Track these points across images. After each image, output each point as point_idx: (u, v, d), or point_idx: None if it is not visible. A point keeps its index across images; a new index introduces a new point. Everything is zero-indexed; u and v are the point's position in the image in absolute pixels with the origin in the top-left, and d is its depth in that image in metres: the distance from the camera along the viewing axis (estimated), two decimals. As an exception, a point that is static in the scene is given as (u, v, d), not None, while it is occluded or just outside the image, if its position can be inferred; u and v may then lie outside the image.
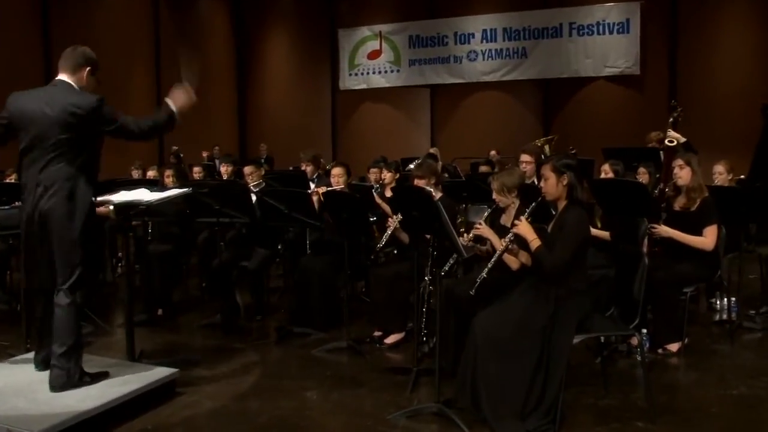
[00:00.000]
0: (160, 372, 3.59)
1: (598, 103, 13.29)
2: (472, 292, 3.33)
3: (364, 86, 15.60)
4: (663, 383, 3.77)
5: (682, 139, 6.13)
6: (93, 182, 3.42)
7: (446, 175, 8.61)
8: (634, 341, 4.36)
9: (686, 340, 4.32)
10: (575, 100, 13.54)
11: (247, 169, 5.69)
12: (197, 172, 7.96)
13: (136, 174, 8.16)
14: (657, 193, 4.30)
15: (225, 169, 7.00)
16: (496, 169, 8.35)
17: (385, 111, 15.53)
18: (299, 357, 4.35)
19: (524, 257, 3.35)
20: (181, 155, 12.93)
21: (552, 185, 3.19)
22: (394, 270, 4.61)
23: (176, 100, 3.55)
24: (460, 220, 5.52)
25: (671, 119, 6.10)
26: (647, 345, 4.16)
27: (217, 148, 13.53)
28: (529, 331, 3.06)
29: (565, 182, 3.18)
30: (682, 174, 4.37)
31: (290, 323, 4.97)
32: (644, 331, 4.16)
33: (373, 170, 6.85)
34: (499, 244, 3.69)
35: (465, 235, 3.93)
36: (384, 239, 4.54)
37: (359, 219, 4.58)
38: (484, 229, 3.80)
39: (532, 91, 13.94)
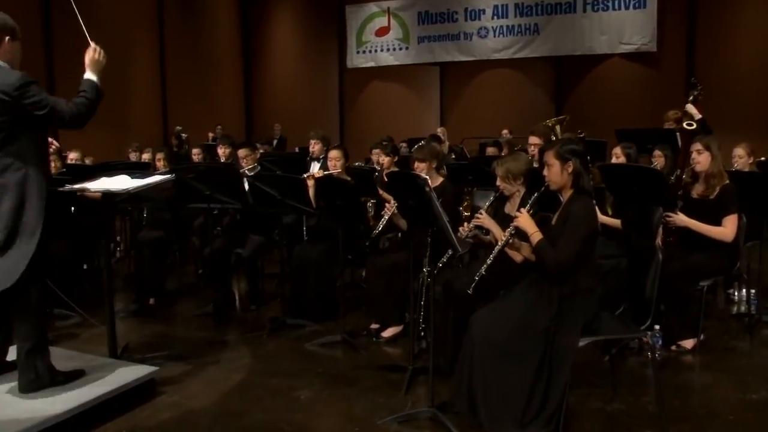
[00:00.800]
0: (139, 370, 3.39)
1: (613, 81, 12.81)
2: (469, 291, 3.09)
3: (372, 64, 15.20)
4: (676, 385, 3.51)
5: (698, 116, 5.81)
6: (43, 172, 3.09)
7: (453, 156, 8.35)
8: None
9: (702, 336, 4.06)
10: (589, 79, 13.07)
11: (242, 152, 5.45)
12: (196, 153, 7.70)
13: (133, 156, 7.94)
14: (673, 180, 4.00)
15: (222, 151, 6.72)
16: (504, 151, 8.04)
17: (393, 89, 15.16)
18: (291, 351, 4.15)
19: (527, 251, 3.09)
20: (184, 136, 12.71)
21: (556, 173, 2.92)
22: (392, 259, 4.37)
23: (90, 67, 3.20)
24: (465, 203, 5.27)
25: (691, 97, 5.79)
26: (659, 342, 3.90)
27: (219, 128, 13.27)
28: (530, 333, 2.82)
29: (570, 169, 2.90)
30: (701, 159, 4.06)
31: (285, 314, 4.77)
32: (656, 327, 3.91)
33: (375, 151, 6.58)
34: (501, 235, 3.43)
35: (466, 224, 3.68)
36: (380, 226, 4.30)
37: (353, 205, 4.32)
38: (485, 219, 3.54)
39: (545, 69, 13.48)
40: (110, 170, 4.04)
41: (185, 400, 3.36)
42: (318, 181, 4.53)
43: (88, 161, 7.67)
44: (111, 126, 12.37)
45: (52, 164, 5.40)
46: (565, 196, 2.95)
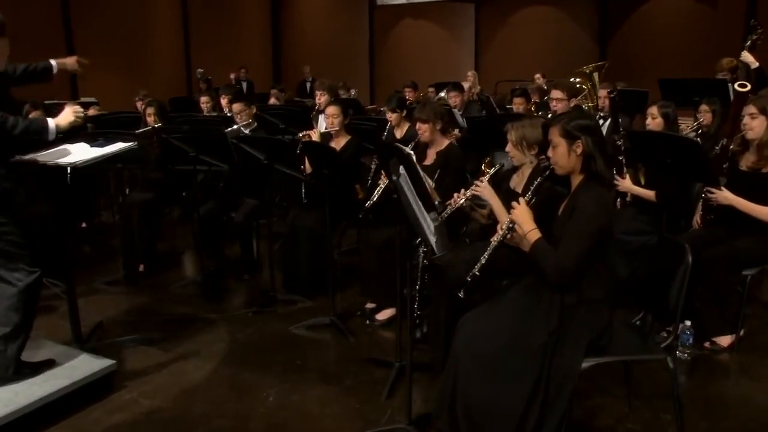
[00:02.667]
0: (95, 364, 3.07)
1: (662, 20, 11.59)
2: (461, 294, 2.60)
3: (403, 1, 14.30)
4: (706, 395, 3.00)
5: (755, 64, 5.05)
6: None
7: (479, 104, 7.66)
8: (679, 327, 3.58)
9: (742, 332, 3.50)
10: (636, 18, 11.87)
11: (236, 107, 4.96)
12: (204, 102, 7.24)
13: (140, 105, 7.52)
14: (718, 150, 3.35)
15: (225, 102, 6.29)
16: (534, 99, 7.31)
17: (425, 28, 14.27)
18: (273, 335, 3.78)
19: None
20: (210, 78, 12.26)
21: (562, 154, 2.35)
22: (387, 234, 3.88)
23: (61, 119, 3.01)
24: (487, 159, 4.70)
25: (748, 42, 5.00)
26: (689, 341, 3.36)
27: (243, 70, 12.74)
28: (524, 348, 2.33)
29: (579, 150, 2.33)
30: (755, 125, 3.37)
31: (281, 285, 4.40)
32: (688, 323, 3.36)
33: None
34: (500, 207, 2.92)
35: (463, 190, 3.16)
36: (375, 196, 3.82)
37: (341, 174, 3.83)
38: (485, 189, 3.03)
39: (588, 6, 12.33)
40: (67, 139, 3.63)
41: (143, 398, 3.03)
42: (303, 146, 4.03)
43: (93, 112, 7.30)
44: (131, 71, 12.00)
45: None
46: (574, 182, 2.39)
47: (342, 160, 3.98)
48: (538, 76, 10.01)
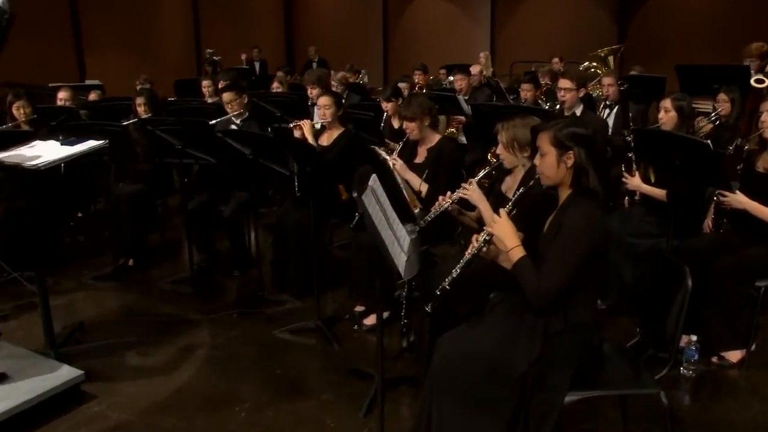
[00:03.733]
0: (62, 376, 2.94)
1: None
2: (428, 309, 2.39)
3: (417, -22, 13.92)
4: (711, 418, 2.78)
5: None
6: None
7: (488, 90, 7.35)
8: (683, 341, 3.34)
9: (753, 347, 3.25)
10: (659, -5, 11.38)
11: (226, 96, 4.75)
12: (206, 86, 7.05)
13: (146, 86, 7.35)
14: (732, 150, 3.07)
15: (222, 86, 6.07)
16: (545, 80, 6.98)
17: (440, 7, 13.86)
18: (256, 340, 3.62)
19: (509, 263, 2.33)
20: (217, 59, 12.04)
21: (550, 165, 2.12)
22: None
23: None
24: (493, 150, 4.45)
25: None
26: (696, 356, 3.13)
27: (256, 50, 12.49)
28: (504, 377, 2.13)
29: (570, 162, 2.09)
30: (773, 122, 3.10)
31: (264, 286, 4.23)
32: (694, 337, 3.12)
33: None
34: (489, 212, 2.70)
35: (449, 193, 2.94)
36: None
37: (324, 172, 3.62)
38: (473, 192, 2.82)
39: (608, -16, 11.87)
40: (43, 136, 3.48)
41: (112, 410, 2.90)
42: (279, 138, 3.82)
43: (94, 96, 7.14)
44: (139, 51, 11.83)
45: (21, 111, 4.92)
46: (562, 196, 2.16)
47: (322, 158, 3.76)
48: (555, 60, 9.60)
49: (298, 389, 3.08)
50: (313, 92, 5.75)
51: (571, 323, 2.10)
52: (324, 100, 4.23)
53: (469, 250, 2.32)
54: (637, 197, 3.88)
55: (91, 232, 5.74)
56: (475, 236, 2.34)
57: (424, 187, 3.60)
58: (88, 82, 9.41)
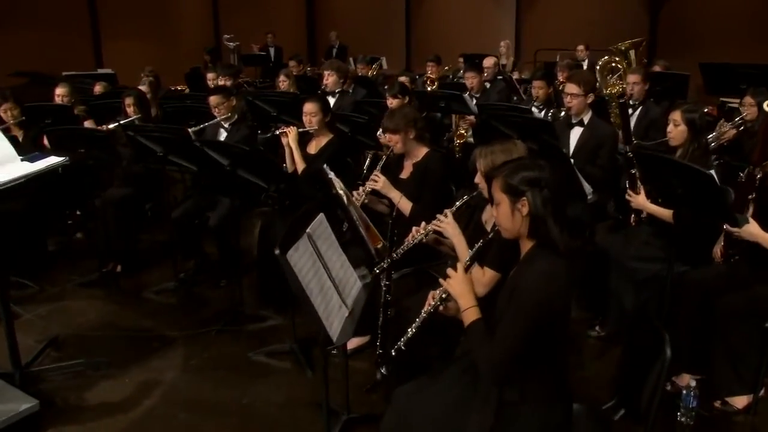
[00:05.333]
0: (14, 406, 2.81)
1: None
2: (382, 371, 2.18)
3: (441, -39, 13.45)
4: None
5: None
6: None
7: (504, 83, 7.00)
8: (684, 380, 3.06)
9: (762, 392, 2.95)
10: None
11: (212, 100, 4.55)
12: (212, 79, 6.87)
13: (146, 81, 7.20)
14: (743, 178, 2.74)
15: (224, 83, 5.91)
16: (561, 76, 6.55)
17: (464, -10, 13.41)
18: (229, 363, 3.46)
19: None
20: (232, 45, 11.85)
21: (504, 214, 1.85)
22: (354, 254, 3.44)
23: None
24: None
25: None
26: (694, 403, 2.83)
27: (270, 35, 12.23)
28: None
29: (525, 210, 1.82)
30: (794, 143, 2.76)
31: (244, 301, 4.06)
32: (693, 382, 2.83)
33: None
34: (464, 248, 2.46)
35: (423, 224, 2.71)
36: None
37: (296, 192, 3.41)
38: (448, 225, 2.58)
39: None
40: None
41: (64, 444, 2.78)
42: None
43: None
44: (157, 37, 11.70)
45: (8, 113, 4.80)
46: (523, 249, 1.89)
47: (292, 178, 3.53)
48: (581, 48, 9.13)
49: (259, 425, 2.90)
50: (329, 80, 5.53)
51: (529, 394, 1.84)
52: (309, 107, 4.00)
53: (426, 308, 2.08)
54: (643, 215, 3.56)
55: (89, 230, 5.64)
56: (432, 293, 2.10)
57: (408, 206, 3.36)
58: (100, 71, 9.34)
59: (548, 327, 1.75)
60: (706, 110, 8.41)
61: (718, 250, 3.13)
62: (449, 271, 1.97)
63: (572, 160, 3.85)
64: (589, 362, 3.44)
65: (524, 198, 1.79)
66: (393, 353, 2.12)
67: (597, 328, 3.66)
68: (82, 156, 4.25)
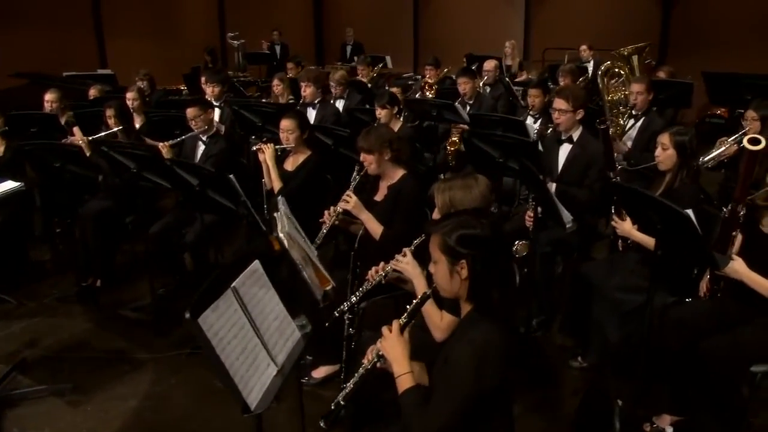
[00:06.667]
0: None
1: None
2: (322, 425, 2.04)
3: (450, -44, 13.18)
4: None
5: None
6: None
7: (502, 88, 6.79)
8: (664, 421, 2.90)
9: (748, 437, 2.78)
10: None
11: (190, 112, 4.40)
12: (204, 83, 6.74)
13: (141, 84, 7.07)
14: (726, 213, 2.55)
15: (211, 91, 5.76)
16: (563, 81, 6.33)
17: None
18: (195, 390, 3.36)
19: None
20: (236, 43, 11.68)
21: (442, 275, 1.71)
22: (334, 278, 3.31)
23: None
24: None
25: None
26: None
27: (276, 32, 12.07)
28: None
29: (464, 273, 1.67)
30: (785, 176, 2.56)
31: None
32: (670, 429, 2.67)
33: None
34: (423, 285, 2.31)
35: (383, 264, 2.57)
36: (319, 237, 3.25)
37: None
38: (407, 265, 2.44)
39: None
40: None
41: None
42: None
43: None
44: (162, 35, 11.59)
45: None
46: (463, 311, 1.74)
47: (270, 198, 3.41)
48: (584, 48, 8.84)
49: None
50: (307, 91, 5.39)
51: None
52: (286, 124, 3.86)
53: (364, 364, 1.93)
54: (630, 242, 3.38)
55: (70, 244, 5.55)
56: (371, 347, 1.96)
57: (378, 229, 3.22)
58: (100, 71, 9.27)
59: (484, 401, 1.60)
60: (718, 111, 8.21)
61: (704, 284, 2.95)
62: (384, 330, 1.83)
63: (554, 185, 3.68)
64: (568, 397, 3.28)
65: (463, 259, 1.64)
66: (333, 408, 1.99)
67: (579, 358, 3.50)
68: (56, 171, 4.18)
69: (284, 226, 2.24)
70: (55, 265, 5.11)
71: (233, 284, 1.76)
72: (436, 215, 2.46)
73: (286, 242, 2.19)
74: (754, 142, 2.24)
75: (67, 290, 4.55)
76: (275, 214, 2.38)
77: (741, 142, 4.32)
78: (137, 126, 5.42)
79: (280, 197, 2.68)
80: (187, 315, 1.68)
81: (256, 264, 1.87)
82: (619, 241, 3.54)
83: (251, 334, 1.75)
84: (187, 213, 4.37)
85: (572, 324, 3.57)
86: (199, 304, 1.70)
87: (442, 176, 5.99)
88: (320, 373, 3.41)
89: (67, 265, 5.00)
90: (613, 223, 3.30)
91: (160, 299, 4.30)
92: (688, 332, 2.79)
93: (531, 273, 3.71)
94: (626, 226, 3.23)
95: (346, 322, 2.93)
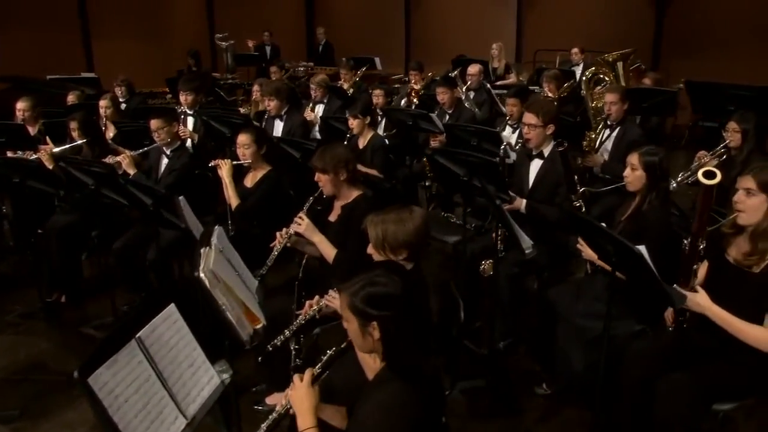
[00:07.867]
0: None
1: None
2: None
3: (442, -44, 13.00)
4: None
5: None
6: None
7: (485, 95, 6.66)
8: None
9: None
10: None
11: (153, 124, 4.27)
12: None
13: (119, 91, 6.94)
14: (687, 247, 2.41)
15: (184, 99, 5.62)
16: (547, 90, 6.18)
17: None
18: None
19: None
20: (224, 44, 11.53)
21: (355, 335, 1.59)
22: (278, 306, 3.19)
23: None
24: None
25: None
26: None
27: (267, 33, 11.92)
28: None
29: (377, 335, 1.54)
30: (750, 205, 2.42)
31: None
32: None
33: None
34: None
35: (317, 298, 2.47)
36: (271, 259, 3.15)
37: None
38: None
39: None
40: None
41: None
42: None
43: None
44: (149, 37, 11.45)
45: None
46: (376, 367, 1.61)
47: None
48: (575, 50, 8.67)
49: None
50: (270, 104, 5.25)
51: None
52: (242, 139, 3.75)
53: (275, 411, 1.82)
54: (597, 265, 3.25)
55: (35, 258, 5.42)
56: (285, 392, 1.84)
57: (331, 251, 3.09)
58: (83, 74, 9.14)
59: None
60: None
61: (669, 315, 2.82)
62: (295, 378, 1.71)
63: (524, 202, 3.56)
64: (532, 424, 3.16)
65: (374, 321, 1.52)
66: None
67: (544, 385, 3.38)
68: (16, 186, 4.07)
69: (208, 263, 2.12)
70: (23, 278, 4.99)
71: (138, 334, 1.63)
72: (370, 250, 2.34)
73: (207, 282, 2.07)
74: (709, 175, 2.10)
75: (33, 305, 4.44)
76: (201, 250, 2.25)
77: (723, 156, 4.21)
78: (110, 135, 5.32)
79: (216, 228, 2.56)
80: (75, 374, 1.56)
81: (171, 308, 1.75)
82: (587, 263, 3.42)
83: (157, 386, 1.63)
84: (150, 228, 4.25)
85: (538, 349, 3.45)
86: (95, 359, 1.58)
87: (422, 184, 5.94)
88: (274, 399, 3.29)
89: (36, 278, 4.90)
90: (578, 245, 3.17)
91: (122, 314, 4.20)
92: (649, 365, 2.67)
93: (497, 294, 3.60)
94: (589, 250, 3.09)
95: (293, 352, 2.81)
